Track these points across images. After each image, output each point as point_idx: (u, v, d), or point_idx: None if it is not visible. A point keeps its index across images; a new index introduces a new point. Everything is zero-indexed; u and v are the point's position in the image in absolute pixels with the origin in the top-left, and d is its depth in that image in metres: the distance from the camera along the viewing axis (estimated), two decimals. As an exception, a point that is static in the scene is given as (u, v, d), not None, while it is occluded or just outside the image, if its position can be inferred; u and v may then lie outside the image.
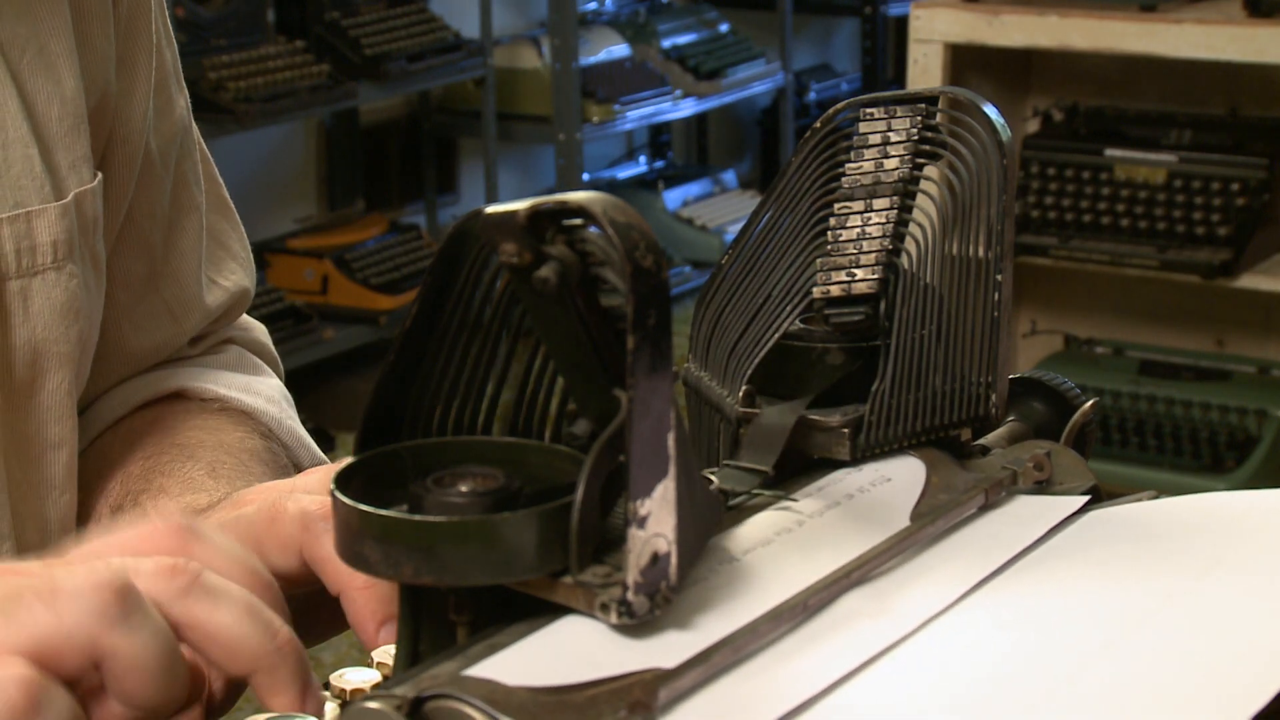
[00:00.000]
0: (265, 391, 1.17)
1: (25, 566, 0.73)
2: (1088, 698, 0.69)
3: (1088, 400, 0.92)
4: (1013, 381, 0.92)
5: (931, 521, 0.80)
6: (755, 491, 0.81)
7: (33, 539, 1.06)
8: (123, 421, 1.14)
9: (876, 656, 0.71)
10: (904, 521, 0.80)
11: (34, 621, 0.70)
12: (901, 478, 0.84)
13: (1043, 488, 0.87)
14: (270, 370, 1.23)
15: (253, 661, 0.74)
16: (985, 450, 0.88)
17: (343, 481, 0.72)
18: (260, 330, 1.27)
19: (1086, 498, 0.86)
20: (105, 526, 1.05)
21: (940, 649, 0.72)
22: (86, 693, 0.72)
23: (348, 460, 0.74)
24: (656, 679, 0.66)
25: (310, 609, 0.87)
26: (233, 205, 1.23)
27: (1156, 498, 0.88)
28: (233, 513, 0.90)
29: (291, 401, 1.19)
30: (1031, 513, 0.84)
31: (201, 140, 1.20)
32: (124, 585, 0.71)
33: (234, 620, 0.74)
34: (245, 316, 1.26)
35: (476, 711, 0.64)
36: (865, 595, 0.75)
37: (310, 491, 0.89)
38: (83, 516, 1.09)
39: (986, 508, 0.84)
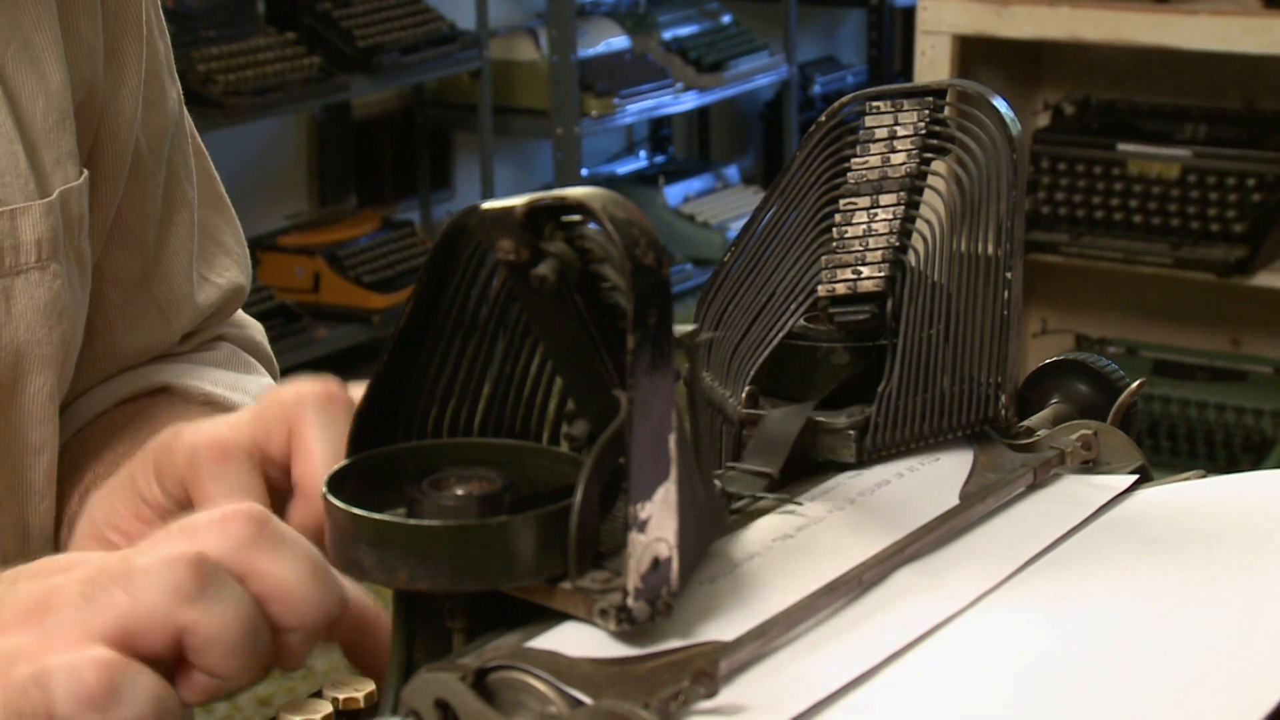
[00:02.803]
0: (254, 390, 1.16)
1: (105, 555, 0.74)
2: (1131, 677, 0.70)
3: (1133, 381, 0.93)
4: (1056, 364, 0.95)
5: (981, 500, 0.82)
6: (760, 495, 0.81)
7: (11, 546, 1.05)
8: (103, 416, 1.14)
9: (929, 632, 0.73)
10: (953, 500, 0.82)
11: (111, 604, 0.71)
12: (950, 457, 0.86)
13: (1090, 468, 0.89)
14: (262, 369, 1.23)
15: (310, 619, 0.74)
16: (1031, 431, 0.89)
17: (336, 484, 0.72)
18: (256, 328, 1.26)
19: (1135, 477, 0.88)
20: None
21: (990, 627, 0.74)
22: (171, 666, 0.73)
23: (341, 463, 0.74)
24: (716, 651, 0.68)
25: None
26: (228, 199, 1.23)
27: (1205, 476, 0.89)
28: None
29: None
30: (1080, 492, 0.86)
31: (195, 133, 1.20)
32: (198, 559, 0.72)
33: (297, 574, 0.74)
34: (241, 314, 1.25)
35: (540, 682, 0.65)
36: (917, 571, 0.77)
37: (212, 430, 0.88)
38: (57, 512, 1.09)
39: (1034, 487, 0.86)
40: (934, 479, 0.84)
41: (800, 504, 0.80)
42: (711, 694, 0.66)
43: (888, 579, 0.76)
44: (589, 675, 0.66)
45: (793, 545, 0.77)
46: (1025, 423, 0.90)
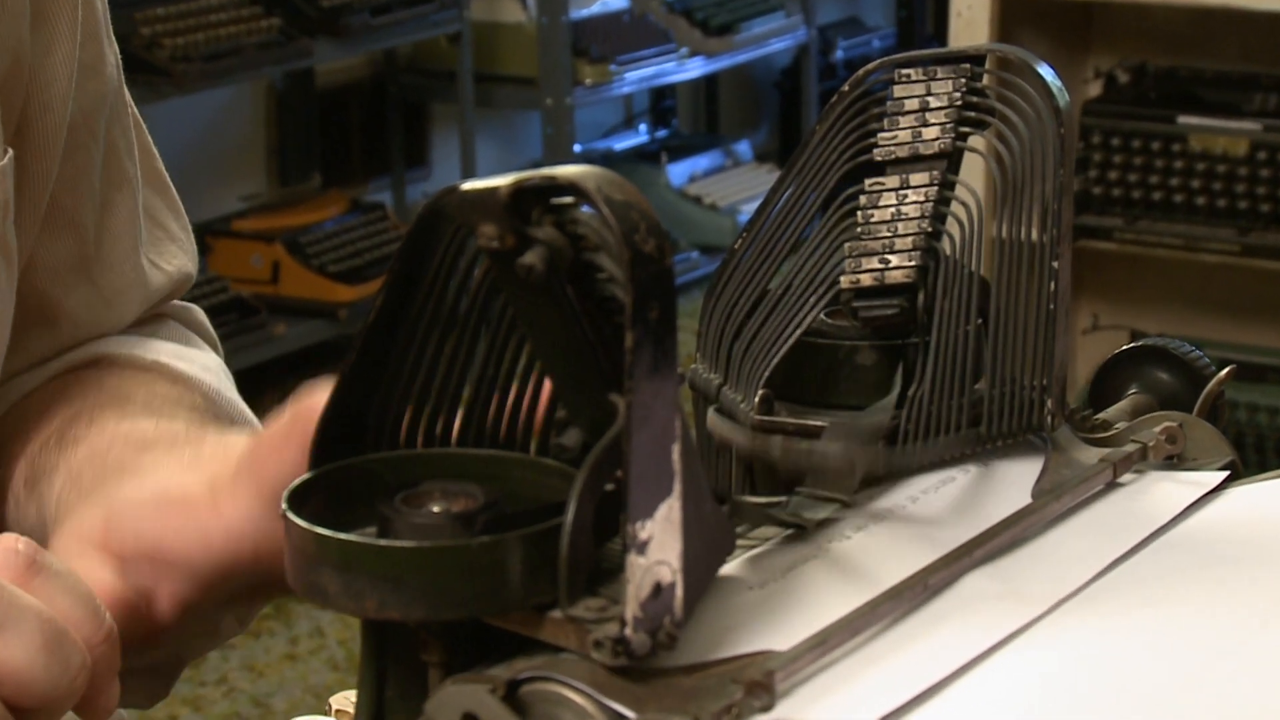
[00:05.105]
0: (200, 360, 1.17)
1: None
2: (1224, 691, 0.71)
3: (1223, 369, 0.94)
4: (1132, 351, 0.96)
5: (1056, 498, 0.83)
6: (772, 512, 0.81)
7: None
8: (35, 391, 1.14)
9: (1002, 642, 0.74)
10: (1025, 499, 0.83)
11: None
12: (1020, 453, 0.86)
13: (1175, 463, 0.90)
14: (207, 346, 1.23)
15: (40, 701, 0.77)
16: (1108, 424, 0.90)
17: (297, 500, 0.72)
18: (197, 311, 1.27)
19: (1225, 473, 0.89)
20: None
21: (1069, 637, 0.75)
22: None
23: (303, 476, 0.74)
24: (771, 660, 0.69)
25: None
26: (168, 179, 1.23)
27: None
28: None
29: (231, 376, 1.19)
30: (1165, 490, 0.87)
31: (133, 104, 1.20)
32: None
33: (24, 654, 0.76)
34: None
35: (577, 694, 0.66)
36: (989, 575, 0.78)
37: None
38: None
39: (1114, 485, 0.87)
40: (1003, 476, 0.85)
41: (807, 525, 0.80)
42: (768, 707, 0.67)
43: (956, 584, 0.77)
44: (631, 687, 0.67)
45: (851, 547, 0.78)
46: (1102, 415, 0.91)
